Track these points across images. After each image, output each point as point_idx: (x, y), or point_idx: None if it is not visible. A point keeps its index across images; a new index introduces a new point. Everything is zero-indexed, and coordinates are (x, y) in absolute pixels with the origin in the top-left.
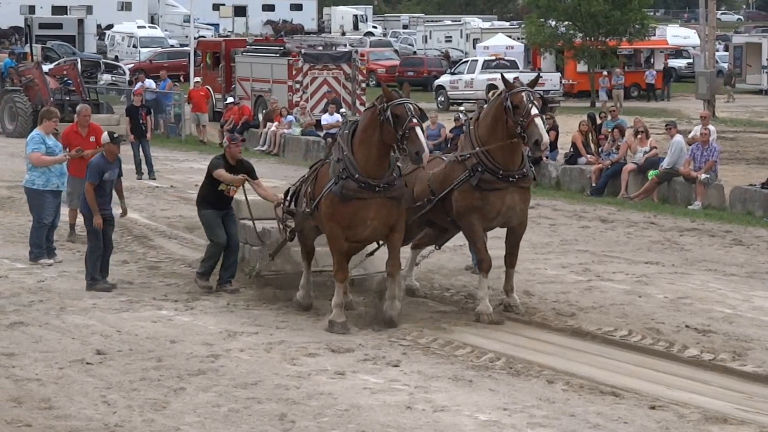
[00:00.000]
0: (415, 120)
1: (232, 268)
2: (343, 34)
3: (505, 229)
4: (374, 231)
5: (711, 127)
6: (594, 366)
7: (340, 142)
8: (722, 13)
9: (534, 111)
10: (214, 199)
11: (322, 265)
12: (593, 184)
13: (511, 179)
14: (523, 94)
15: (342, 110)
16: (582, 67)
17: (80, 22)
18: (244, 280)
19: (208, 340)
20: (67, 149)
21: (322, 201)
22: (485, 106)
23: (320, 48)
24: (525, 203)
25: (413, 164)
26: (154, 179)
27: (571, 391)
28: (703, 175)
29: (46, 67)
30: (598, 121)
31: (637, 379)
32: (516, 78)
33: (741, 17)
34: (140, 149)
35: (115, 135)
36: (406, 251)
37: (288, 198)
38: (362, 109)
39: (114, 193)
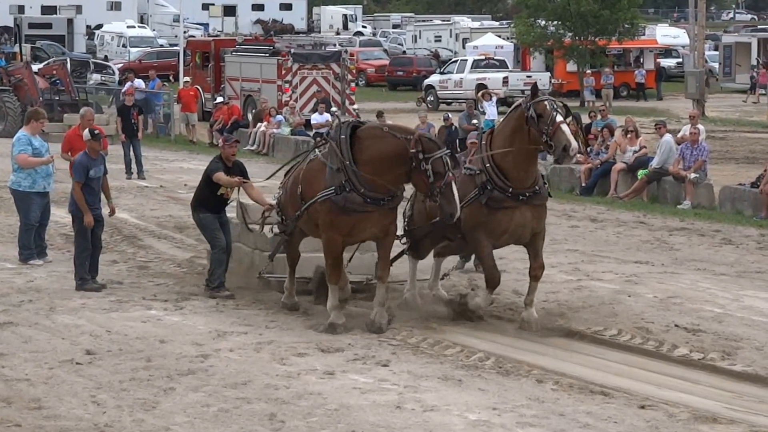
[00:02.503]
0: (451, 174)
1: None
2: (338, 33)
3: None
4: (371, 236)
5: (700, 127)
6: (583, 365)
7: (336, 148)
8: (737, 12)
9: (559, 118)
10: (212, 202)
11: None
12: (583, 184)
13: (521, 197)
14: (546, 102)
15: (333, 109)
16: (571, 67)
17: (70, 21)
18: (236, 282)
19: (197, 339)
20: (69, 153)
21: (317, 207)
22: (501, 119)
23: (310, 47)
24: (538, 221)
25: (443, 220)
26: (144, 179)
27: (560, 391)
28: (693, 175)
29: (35, 67)
30: (588, 121)
31: (626, 379)
32: (505, 78)
33: (755, 16)
34: (131, 149)
35: (96, 132)
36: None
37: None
38: (352, 108)
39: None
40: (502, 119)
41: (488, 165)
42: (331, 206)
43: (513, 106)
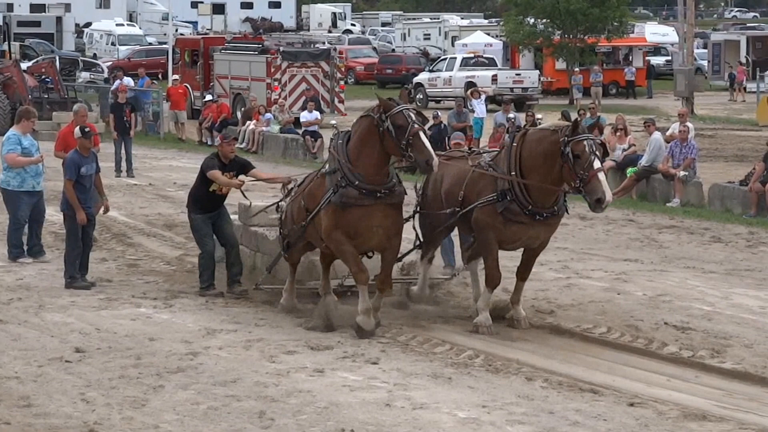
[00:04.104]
0: (416, 125)
1: (236, 266)
2: (330, 31)
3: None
4: (380, 240)
5: (689, 125)
6: (573, 363)
7: (333, 153)
8: (738, 10)
9: (597, 164)
10: (205, 200)
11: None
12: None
13: (538, 217)
14: (586, 143)
15: (332, 122)
16: (560, 65)
17: (59, 19)
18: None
19: (186, 337)
20: (63, 151)
21: (321, 214)
22: (537, 126)
23: (299, 45)
24: (549, 233)
25: (423, 173)
26: (133, 177)
27: (550, 389)
28: (682, 173)
29: (24, 65)
30: (578, 118)
31: (616, 376)
32: (494, 76)
33: (756, 14)
34: (122, 146)
35: (86, 129)
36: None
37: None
38: (341, 107)
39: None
40: (535, 130)
41: (513, 174)
42: (332, 208)
43: (550, 127)
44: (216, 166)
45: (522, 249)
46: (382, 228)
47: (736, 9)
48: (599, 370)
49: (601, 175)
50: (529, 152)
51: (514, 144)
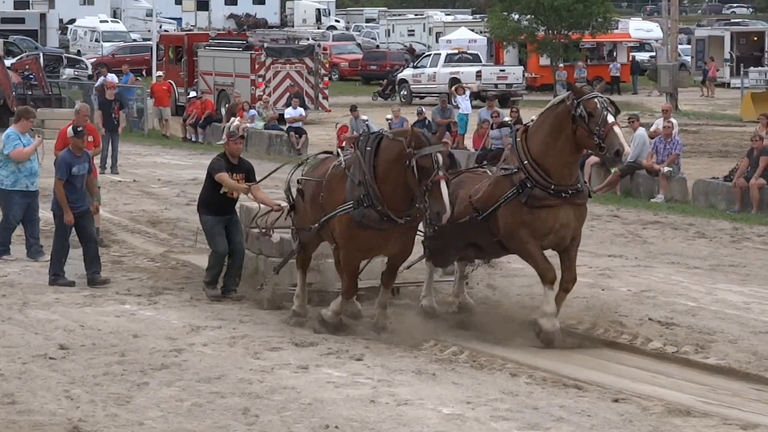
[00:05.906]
0: (441, 173)
1: (234, 278)
2: (319, 28)
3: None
4: (390, 252)
5: (673, 120)
6: (557, 359)
7: (360, 159)
8: (737, 6)
9: (611, 119)
10: (216, 204)
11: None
12: None
13: (563, 195)
14: (596, 100)
15: (365, 118)
16: (545, 61)
17: (42, 16)
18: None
19: (171, 334)
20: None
21: (336, 219)
22: (537, 116)
23: (283, 42)
24: (580, 221)
25: (432, 221)
26: (117, 173)
27: (534, 384)
28: (666, 169)
29: (8, 62)
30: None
31: (600, 372)
32: (478, 72)
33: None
34: (110, 143)
35: (79, 128)
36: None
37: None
38: (325, 103)
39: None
40: (539, 115)
41: (526, 162)
42: (349, 221)
43: (554, 102)
44: (224, 167)
45: (557, 253)
46: (396, 245)
47: (736, 5)
48: (584, 366)
49: (617, 128)
50: (537, 137)
51: (518, 139)
